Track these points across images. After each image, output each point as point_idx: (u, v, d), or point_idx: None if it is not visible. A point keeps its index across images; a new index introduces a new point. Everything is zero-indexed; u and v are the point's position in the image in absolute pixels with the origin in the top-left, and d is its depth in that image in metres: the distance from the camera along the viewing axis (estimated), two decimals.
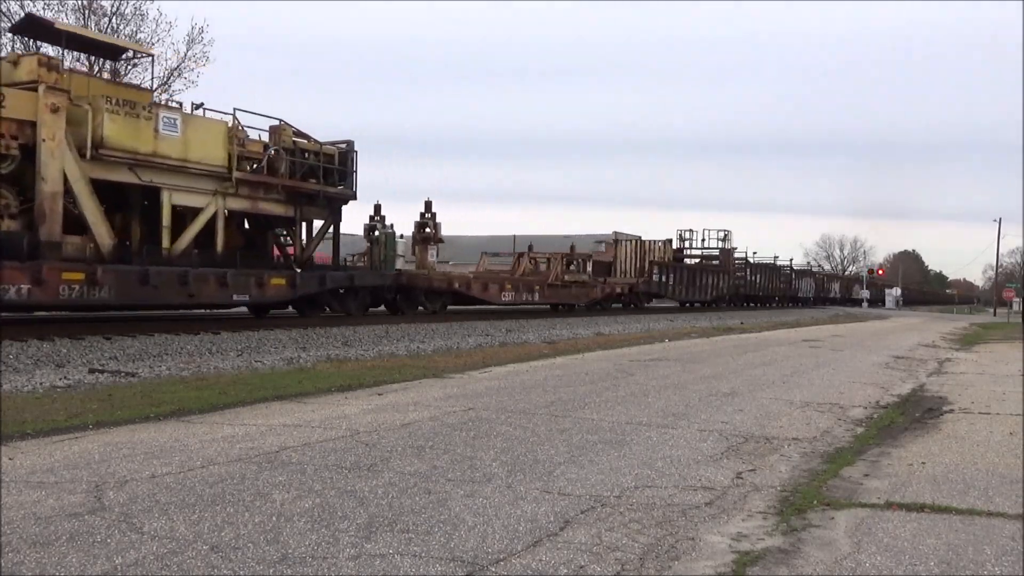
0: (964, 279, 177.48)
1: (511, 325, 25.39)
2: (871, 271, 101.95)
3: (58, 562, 4.10)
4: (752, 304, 58.26)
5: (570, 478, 6.06)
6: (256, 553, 4.29)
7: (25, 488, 5.43)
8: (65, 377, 11.45)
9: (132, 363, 13.50)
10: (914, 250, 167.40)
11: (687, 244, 53.89)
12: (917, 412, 9.98)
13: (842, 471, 6.60)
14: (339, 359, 14.99)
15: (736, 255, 56.46)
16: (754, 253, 64.21)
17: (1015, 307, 66.37)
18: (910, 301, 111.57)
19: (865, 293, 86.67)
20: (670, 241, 48.07)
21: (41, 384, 10.76)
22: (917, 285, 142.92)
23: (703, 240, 54.07)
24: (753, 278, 57.42)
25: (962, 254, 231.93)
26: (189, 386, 10.68)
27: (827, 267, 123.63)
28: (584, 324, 28.08)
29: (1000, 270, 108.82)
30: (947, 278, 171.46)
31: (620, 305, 40.06)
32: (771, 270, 62.75)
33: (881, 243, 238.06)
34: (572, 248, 36.31)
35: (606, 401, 9.95)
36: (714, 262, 52.91)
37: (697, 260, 52.76)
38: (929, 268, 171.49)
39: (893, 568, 4.35)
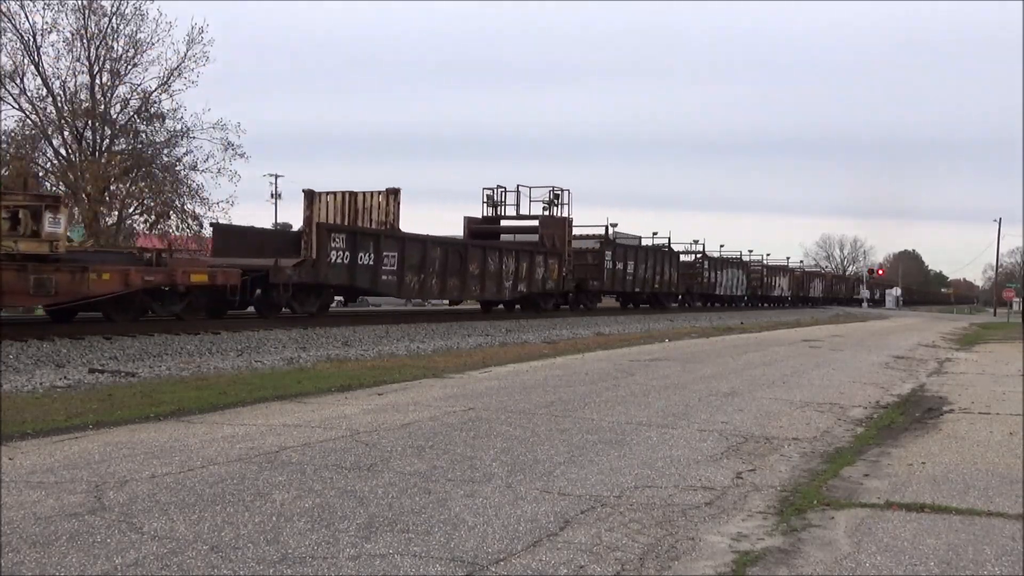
0: (964, 279, 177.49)
1: (511, 325, 25.39)
2: (871, 271, 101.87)
3: (58, 562, 4.09)
4: (631, 305, 41.84)
5: (570, 478, 6.06)
6: (256, 553, 4.28)
7: (25, 488, 5.43)
8: (65, 377, 11.45)
9: (132, 363, 13.50)
10: (914, 250, 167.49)
11: (501, 211, 33.54)
12: (917, 412, 9.98)
13: (842, 471, 6.60)
14: (339, 359, 14.99)
15: (601, 234, 38.00)
16: (654, 233, 48.35)
17: (1015, 307, 66.35)
18: (909, 301, 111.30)
19: (866, 293, 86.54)
20: (397, 192, 25.42)
21: (41, 384, 10.76)
22: (918, 285, 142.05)
23: (548, 208, 33.24)
24: (619, 266, 37.06)
25: (962, 254, 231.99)
26: (189, 386, 10.68)
27: (827, 267, 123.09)
28: (584, 324, 28.10)
29: (1000, 270, 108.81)
30: (947, 278, 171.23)
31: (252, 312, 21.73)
32: (660, 256, 42.57)
33: (881, 243, 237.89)
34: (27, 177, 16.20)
35: (606, 401, 9.95)
36: (521, 236, 32.25)
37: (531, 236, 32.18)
38: (929, 268, 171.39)
39: (893, 568, 4.35)
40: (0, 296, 14.83)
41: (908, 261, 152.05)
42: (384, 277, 23.65)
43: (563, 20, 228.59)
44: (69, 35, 31.78)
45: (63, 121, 31.90)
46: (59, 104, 31.85)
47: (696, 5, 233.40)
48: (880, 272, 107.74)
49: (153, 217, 33.20)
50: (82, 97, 32.41)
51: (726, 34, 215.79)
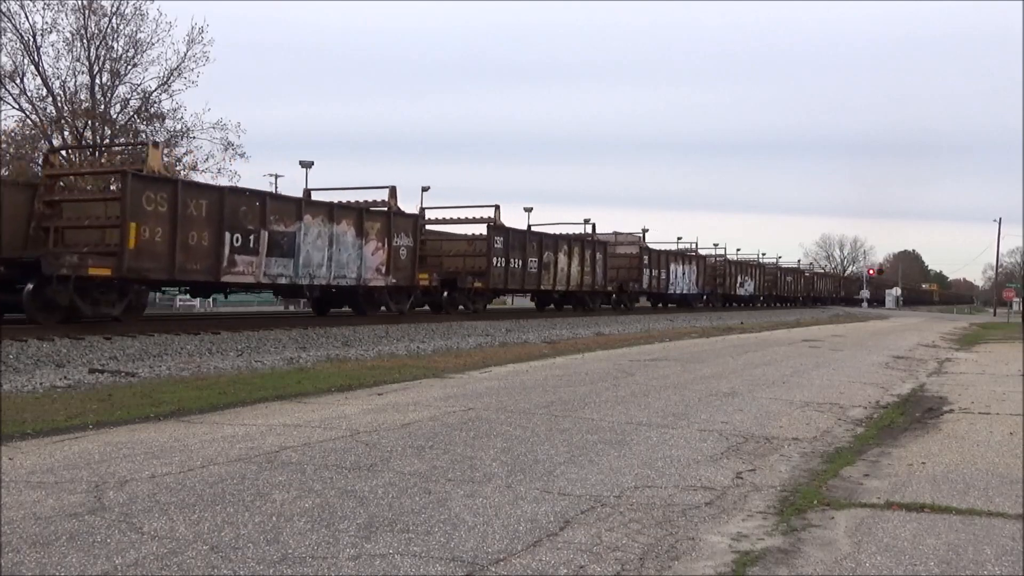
0: (964, 279, 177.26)
1: (511, 325, 25.39)
2: (871, 271, 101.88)
3: (58, 562, 4.09)
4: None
5: (570, 478, 6.06)
6: (256, 553, 4.28)
7: (25, 488, 5.43)
8: (65, 377, 11.45)
9: (132, 363, 13.50)
10: (914, 250, 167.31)
11: None
12: (917, 412, 9.98)
13: (842, 471, 6.60)
14: (339, 359, 14.99)
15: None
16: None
17: (1015, 307, 66.36)
18: (909, 301, 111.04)
19: (865, 293, 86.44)
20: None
21: (41, 384, 10.76)
22: (916, 285, 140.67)
23: None
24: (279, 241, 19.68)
25: (962, 254, 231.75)
26: (189, 386, 10.67)
27: (828, 267, 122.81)
28: (584, 324, 28.09)
29: (1000, 270, 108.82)
30: (947, 278, 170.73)
31: None
32: (394, 225, 23.43)
33: (881, 243, 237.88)
34: None
35: (606, 401, 9.95)
36: None
37: None
38: (929, 268, 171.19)
39: (893, 568, 4.35)
40: None
41: (908, 261, 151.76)
42: None
43: (560, 20, 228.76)
44: (69, 35, 31.83)
45: (63, 121, 31.90)
46: (59, 104, 31.87)
47: (696, 5, 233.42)
48: (879, 271, 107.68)
49: None
50: (82, 97, 32.45)
51: (727, 34, 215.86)
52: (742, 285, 55.62)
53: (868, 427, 8.87)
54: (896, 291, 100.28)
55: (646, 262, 40.64)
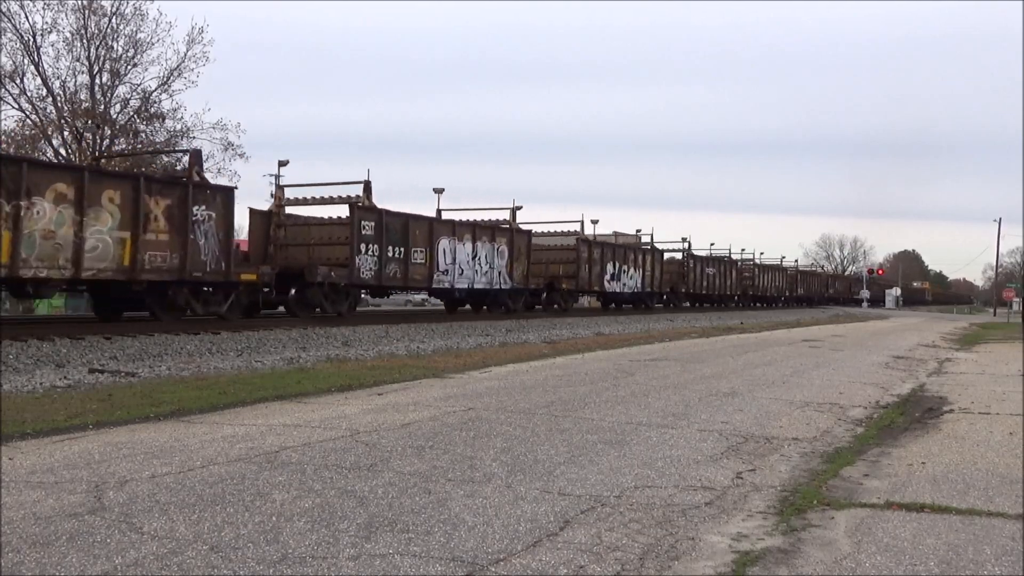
0: (964, 279, 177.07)
1: (511, 325, 25.38)
2: (870, 271, 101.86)
3: (58, 562, 4.09)
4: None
5: (570, 478, 6.06)
6: (256, 553, 4.28)
7: (25, 488, 5.43)
8: (65, 377, 11.45)
9: (132, 363, 13.50)
10: (914, 250, 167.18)
11: None
12: (917, 412, 9.98)
13: (842, 471, 6.60)
14: (339, 359, 14.99)
15: None
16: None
17: (1015, 307, 66.34)
18: (909, 301, 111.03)
19: (866, 293, 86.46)
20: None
21: (41, 384, 10.76)
22: (908, 283, 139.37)
23: None
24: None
25: (962, 254, 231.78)
26: (189, 386, 10.68)
27: (828, 267, 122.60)
28: (584, 324, 28.09)
29: (1000, 270, 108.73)
30: (947, 278, 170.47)
31: None
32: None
33: (881, 243, 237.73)
34: None
35: (606, 401, 9.95)
36: None
37: None
38: (929, 268, 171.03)
39: (893, 568, 4.35)
40: None
41: (908, 261, 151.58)
42: None
43: (558, 20, 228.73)
44: (69, 35, 31.83)
45: (63, 121, 31.91)
46: (59, 104, 31.87)
47: (696, 5, 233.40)
48: (880, 271, 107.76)
49: None
50: (82, 97, 32.45)
51: (727, 34, 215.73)
52: (616, 278, 36.70)
53: (868, 427, 8.87)
54: (896, 291, 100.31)
55: (368, 233, 22.37)
